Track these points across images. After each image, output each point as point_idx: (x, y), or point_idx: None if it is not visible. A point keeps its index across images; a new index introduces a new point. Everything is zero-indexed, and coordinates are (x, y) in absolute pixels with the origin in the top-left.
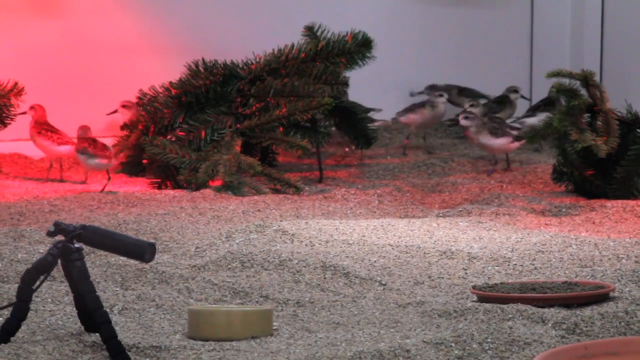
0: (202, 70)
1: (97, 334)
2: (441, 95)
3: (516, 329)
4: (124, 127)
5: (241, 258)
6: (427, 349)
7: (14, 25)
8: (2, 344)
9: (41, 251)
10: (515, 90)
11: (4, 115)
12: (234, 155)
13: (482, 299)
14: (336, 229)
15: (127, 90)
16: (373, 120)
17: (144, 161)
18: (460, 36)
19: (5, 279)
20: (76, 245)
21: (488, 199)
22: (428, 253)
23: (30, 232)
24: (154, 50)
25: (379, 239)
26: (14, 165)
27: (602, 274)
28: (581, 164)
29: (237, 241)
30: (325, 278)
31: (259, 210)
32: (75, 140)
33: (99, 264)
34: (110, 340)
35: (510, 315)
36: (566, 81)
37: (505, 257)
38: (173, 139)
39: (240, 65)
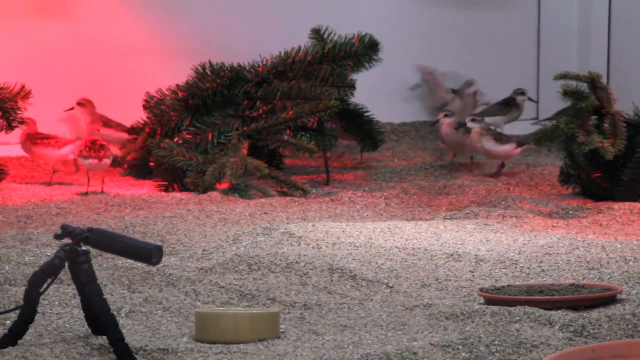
0: (209, 73)
1: (105, 336)
2: (523, 94)
3: (523, 332)
4: (131, 130)
5: (248, 260)
6: (435, 351)
7: (21, 28)
8: (10, 347)
9: (48, 254)
10: (522, 92)
11: (11, 118)
12: (241, 157)
13: (489, 302)
14: (343, 231)
15: (135, 93)
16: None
17: (151, 164)
18: (467, 38)
19: (13, 282)
20: (83, 248)
21: (495, 201)
22: (435, 255)
23: (37, 235)
24: (161, 53)
25: (386, 241)
26: (21, 168)
27: (609, 276)
28: (588, 166)
29: (244, 244)
30: (332, 280)
31: (265, 213)
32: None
33: (106, 267)
34: (118, 343)
35: (517, 318)
36: (573, 83)
37: (512, 259)
38: (180, 142)
39: (247, 68)
